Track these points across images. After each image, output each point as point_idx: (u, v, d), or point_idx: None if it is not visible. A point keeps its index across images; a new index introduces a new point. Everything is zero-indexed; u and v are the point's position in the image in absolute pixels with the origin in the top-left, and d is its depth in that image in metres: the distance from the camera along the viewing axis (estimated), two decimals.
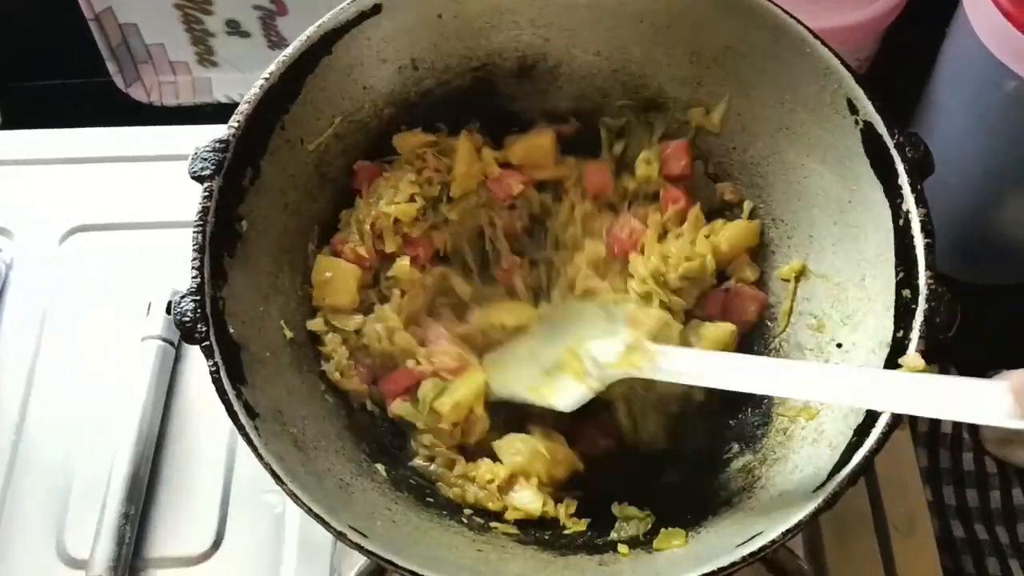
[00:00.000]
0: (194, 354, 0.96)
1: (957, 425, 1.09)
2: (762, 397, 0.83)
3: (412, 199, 0.85)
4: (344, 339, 0.83)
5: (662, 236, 0.88)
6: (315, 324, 0.82)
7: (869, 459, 0.67)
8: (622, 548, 0.75)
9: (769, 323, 0.86)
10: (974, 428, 1.09)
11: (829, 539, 0.85)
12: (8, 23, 1.36)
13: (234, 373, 0.70)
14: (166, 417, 0.92)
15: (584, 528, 0.78)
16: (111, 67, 1.40)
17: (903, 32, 1.17)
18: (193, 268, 0.71)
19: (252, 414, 0.69)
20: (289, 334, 0.79)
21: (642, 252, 0.87)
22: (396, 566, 0.64)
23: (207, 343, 0.69)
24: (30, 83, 1.46)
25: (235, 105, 1.25)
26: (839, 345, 0.78)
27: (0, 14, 1.34)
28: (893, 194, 0.75)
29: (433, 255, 0.88)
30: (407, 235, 0.86)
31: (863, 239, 0.78)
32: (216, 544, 0.87)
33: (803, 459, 0.74)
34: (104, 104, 1.43)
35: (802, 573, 0.80)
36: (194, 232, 0.72)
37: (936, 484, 1.07)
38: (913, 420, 0.99)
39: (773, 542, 0.64)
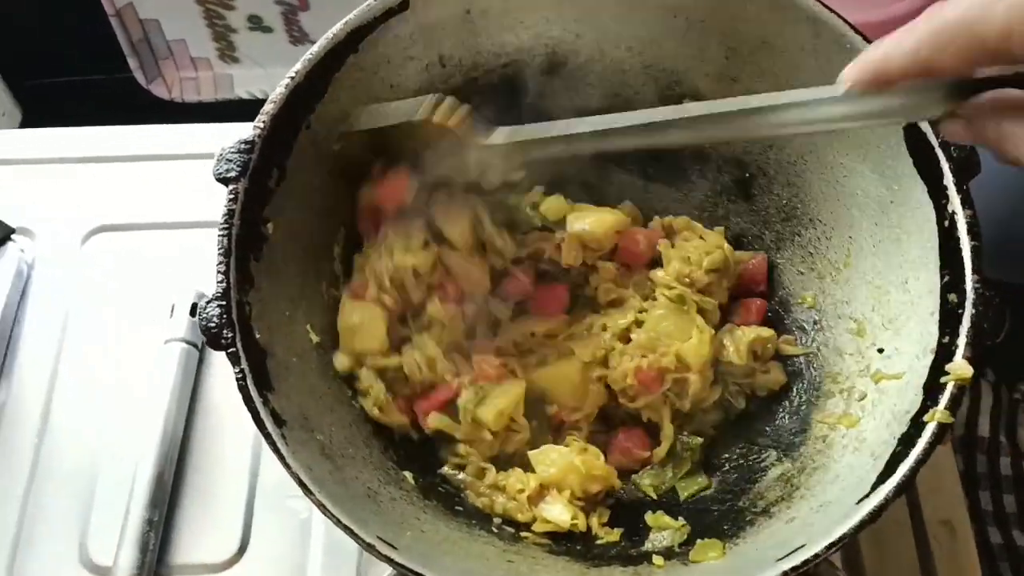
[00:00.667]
0: (218, 357, 0.94)
1: (994, 430, 1.07)
2: (798, 403, 0.81)
3: (427, 244, 0.81)
4: (379, 373, 0.80)
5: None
6: (342, 362, 0.80)
7: (915, 470, 0.64)
8: (657, 560, 0.73)
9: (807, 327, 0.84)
10: (1012, 433, 1.07)
11: (867, 547, 0.83)
12: (27, 20, 1.36)
13: (261, 380, 0.68)
14: (190, 421, 0.91)
15: (617, 538, 0.76)
16: (132, 63, 1.39)
17: None
18: (219, 272, 0.70)
19: (279, 422, 0.67)
20: (315, 339, 0.78)
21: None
22: None
23: (233, 349, 0.68)
24: (50, 80, 1.45)
25: (256, 101, 1.24)
26: (880, 350, 0.76)
27: (18, 11, 1.34)
28: (938, 194, 0.72)
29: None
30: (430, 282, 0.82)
31: (905, 240, 0.76)
32: (241, 550, 0.85)
33: (844, 468, 0.72)
34: (125, 101, 1.43)
35: None
36: (219, 235, 0.71)
37: (972, 489, 1.05)
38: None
39: (816, 556, 0.62)
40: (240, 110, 1.43)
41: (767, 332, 0.83)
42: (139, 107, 1.43)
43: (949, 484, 0.86)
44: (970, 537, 0.84)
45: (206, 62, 1.42)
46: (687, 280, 0.84)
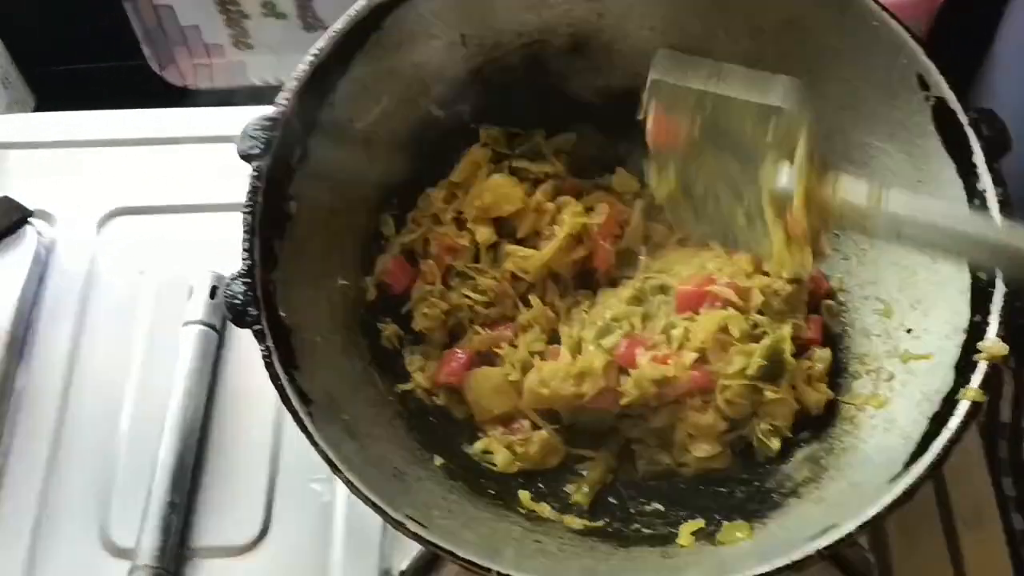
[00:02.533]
0: (237, 340, 0.94)
1: (1016, 416, 1.06)
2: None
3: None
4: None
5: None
6: (482, 445, 0.81)
7: (948, 449, 0.64)
8: (684, 540, 0.72)
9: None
10: None
11: (893, 531, 0.82)
12: (40, 5, 1.35)
13: (286, 358, 0.68)
14: (209, 404, 0.90)
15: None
16: (146, 50, 1.38)
17: (956, 8, 1.14)
18: (244, 250, 0.69)
19: (306, 400, 0.67)
20: (341, 319, 0.77)
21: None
22: (457, 557, 0.62)
23: (259, 327, 0.67)
24: (63, 67, 1.44)
25: (270, 89, 1.23)
26: (909, 330, 0.75)
27: None
28: (967, 173, 0.72)
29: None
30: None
31: None
32: (263, 533, 0.85)
33: (873, 449, 0.71)
34: (138, 88, 1.42)
35: (868, 565, 0.77)
36: (244, 213, 0.70)
37: (995, 475, 1.04)
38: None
39: (849, 535, 0.62)
40: (254, 97, 1.42)
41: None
42: (152, 94, 1.42)
43: (976, 472, 0.86)
44: (998, 525, 0.84)
45: (219, 49, 1.41)
46: (769, 290, 0.79)
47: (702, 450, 0.78)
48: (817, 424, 0.78)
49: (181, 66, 1.42)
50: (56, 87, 1.43)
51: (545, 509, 0.76)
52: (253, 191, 0.71)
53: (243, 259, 0.69)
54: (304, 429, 0.65)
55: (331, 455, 0.64)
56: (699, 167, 0.72)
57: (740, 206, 0.70)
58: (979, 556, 0.82)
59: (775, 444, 0.77)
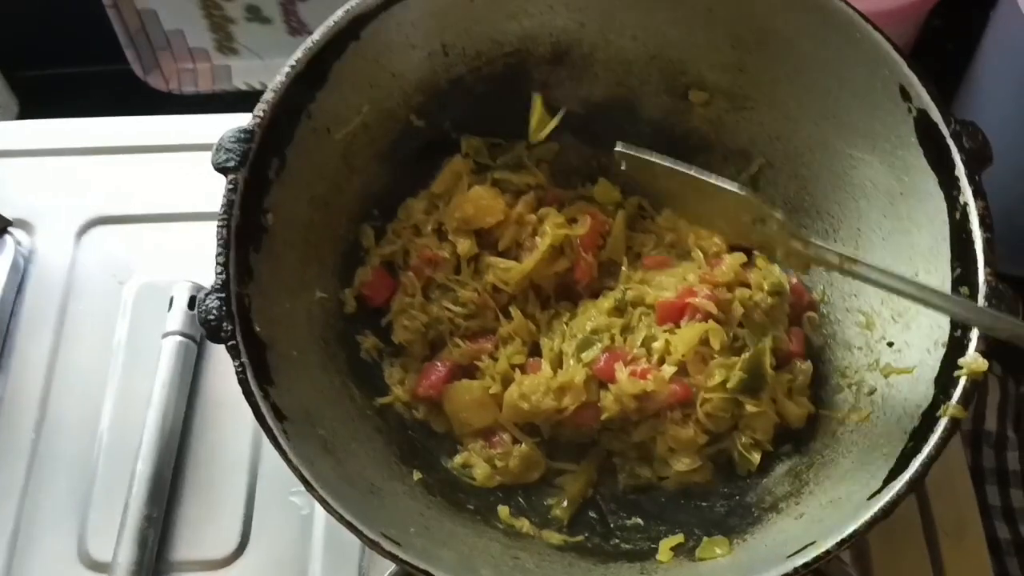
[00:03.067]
0: (217, 351, 0.93)
1: (1002, 423, 1.06)
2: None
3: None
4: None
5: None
6: (462, 459, 0.81)
7: (927, 465, 0.63)
8: (663, 556, 0.72)
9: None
10: (1019, 426, 1.06)
11: (876, 544, 0.82)
12: (22, 8, 1.34)
13: (261, 374, 0.67)
14: (188, 416, 0.89)
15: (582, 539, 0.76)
16: (129, 54, 1.37)
17: (942, 17, 1.14)
18: (218, 264, 0.68)
19: (280, 416, 0.66)
20: (318, 333, 0.76)
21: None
22: None
23: (233, 342, 0.67)
24: (45, 71, 1.43)
25: (255, 93, 1.22)
26: (890, 344, 0.75)
27: (13, 1, 1.32)
28: (949, 185, 0.71)
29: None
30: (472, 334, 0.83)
31: (915, 232, 0.75)
32: (241, 547, 0.84)
33: (853, 463, 0.71)
34: (122, 93, 1.41)
35: None
36: (219, 226, 0.69)
37: (979, 484, 1.03)
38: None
39: (827, 552, 0.61)
40: (238, 102, 1.41)
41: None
42: (136, 99, 1.41)
43: (959, 481, 0.85)
44: (981, 534, 0.83)
45: (204, 53, 1.40)
46: (751, 302, 0.79)
47: (683, 463, 0.77)
48: (798, 438, 0.78)
49: (165, 71, 1.41)
50: (39, 92, 1.42)
51: (524, 524, 0.76)
52: (228, 204, 0.70)
53: (217, 273, 0.68)
54: (278, 446, 0.64)
55: (305, 472, 0.64)
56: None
57: None
58: (961, 567, 0.82)
59: (756, 457, 0.77)
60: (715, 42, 0.83)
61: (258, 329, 0.69)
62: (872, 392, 0.74)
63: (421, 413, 0.81)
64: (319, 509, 0.84)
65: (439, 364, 0.81)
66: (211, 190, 0.97)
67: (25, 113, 1.41)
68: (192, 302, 0.92)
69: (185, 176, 1.02)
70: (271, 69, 1.44)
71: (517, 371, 0.80)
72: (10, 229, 0.99)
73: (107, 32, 1.33)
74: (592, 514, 0.78)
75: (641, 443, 0.79)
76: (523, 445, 0.79)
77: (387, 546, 0.62)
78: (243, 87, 1.43)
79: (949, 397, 0.66)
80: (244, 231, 0.71)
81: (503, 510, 0.77)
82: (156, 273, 0.97)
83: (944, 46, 1.21)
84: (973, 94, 1.03)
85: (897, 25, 1.07)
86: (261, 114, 0.73)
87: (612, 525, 0.77)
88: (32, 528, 0.85)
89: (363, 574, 0.81)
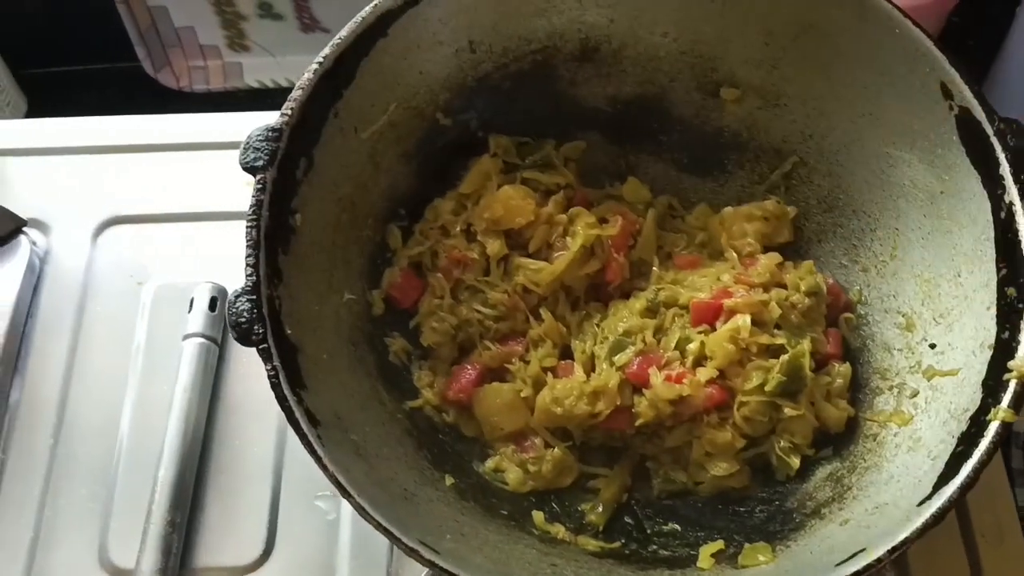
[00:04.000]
0: (238, 354, 0.91)
1: None
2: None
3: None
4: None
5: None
6: (493, 464, 0.79)
7: (979, 470, 0.62)
8: (704, 563, 0.70)
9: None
10: None
11: (913, 548, 0.80)
12: (30, 5, 1.32)
13: (293, 377, 0.66)
14: (211, 419, 0.88)
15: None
16: (140, 52, 1.36)
17: (961, 15, 1.13)
18: (248, 266, 0.67)
19: (314, 421, 0.65)
20: (347, 336, 0.75)
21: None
22: None
23: (265, 345, 0.65)
24: (54, 68, 1.42)
25: (267, 91, 1.21)
26: (932, 346, 0.73)
27: None
28: (993, 184, 0.70)
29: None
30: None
31: (957, 232, 0.73)
32: (267, 552, 0.82)
33: (899, 468, 0.69)
34: (132, 90, 1.40)
35: None
36: (248, 227, 0.68)
37: (1009, 487, 1.02)
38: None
39: (879, 560, 0.60)
40: (250, 100, 1.40)
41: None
42: (146, 97, 1.40)
43: (998, 484, 0.84)
44: (1020, 537, 0.82)
45: (215, 50, 1.39)
46: (787, 303, 0.77)
47: (720, 468, 0.76)
48: (838, 442, 0.76)
49: (176, 68, 1.40)
50: (48, 90, 1.41)
51: (559, 530, 0.74)
52: (257, 204, 0.68)
53: (247, 275, 0.66)
54: (313, 452, 0.63)
55: (341, 479, 0.62)
56: None
57: None
58: (1000, 571, 0.81)
59: (795, 462, 0.75)
60: (748, 37, 0.81)
61: (288, 332, 0.68)
62: (915, 395, 0.73)
63: (451, 417, 0.80)
64: (345, 514, 0.83)
65: (469, 367, 0.80)
66: (229, 190, 0.97)
67: (33, 111, 1.40)
68: (213, 303, 0.90)
69: (202, 175, 1.00)
70: (283, 67, 1.43)
71: (548, 375, 0.79)
72: (25, 229, 0.97)
73: (117, 29, 1.32)
74: (628, 520, 0.77)
75: (676, 448, 0.77)
76: (555, 450, 0.77)
77: (426, 554, 0.61)
78: (255, 85, 1.42)
79: (998, 400, 0.64)
80: (273, 232, 0.69)
81: (538, 516, 0.75)
82: (175, 274, 0.95)
83: (965, 43, 1.20)
84: (1000, 90, 1.02)
85: (922, 20, 1.05)
86: (289, 112, 0.71)
87: (649, 531, 0.76)
88: (52, 534, 0.83)
89: None
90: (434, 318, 0.81)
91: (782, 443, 0.75)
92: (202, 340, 0.89)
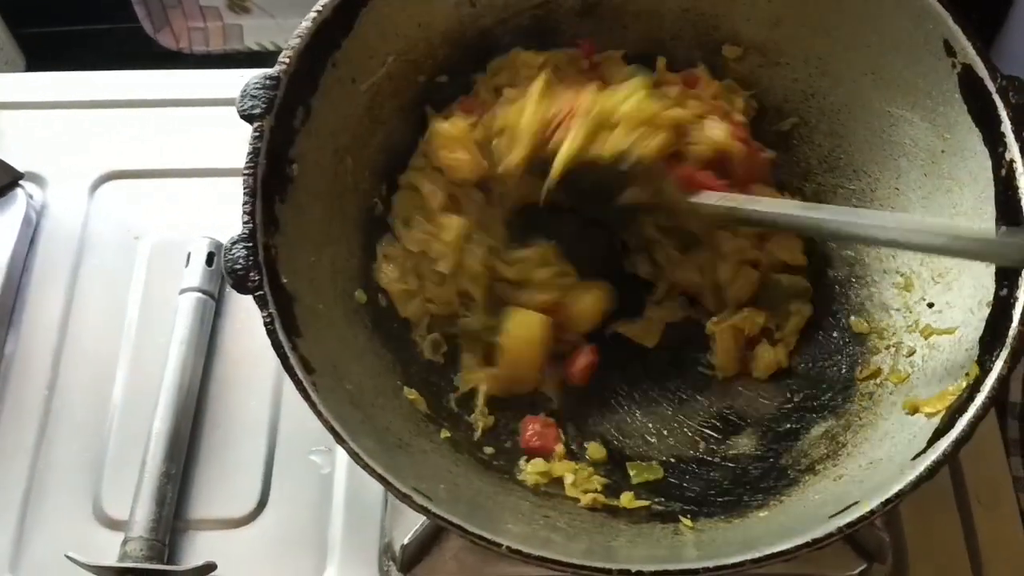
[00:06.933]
0: (234, 308, 0.91)
1: None
2: (839, 359, 0.78)
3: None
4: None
5: None
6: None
7: (974, 426, 0.62)
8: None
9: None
10: None
11: (908, 512, 0.81)
12: None
13: (289, 325, 0.65)
14: (206, 373, 0.88)
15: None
16: (139, 11, 1.35)
17: None
18: (244, 212, 0.66)
19: (309, 369, 0.64)
20: (342, 287, 0.75)
21: None
22: (466, 531, 0.60)
23: (261, 292, 0.64)
24: (53, 28, 1.41)
25: (266, 53, 1.20)
26: (930, 304, 0.73)
27: None
28: (994, 142, 0.69)
29: None
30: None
31: (957, 191, 0.73)
32: (261, 505, 0.82)
33: (894, 425, 0.69)
34: (131, 51, 1.38)
35: (882, 545, 0.75)
36: (244, 174, 0.67)
37: (1005, 455, 1.02)
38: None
39: (872, 512, 0.60)
40: (249, 62, 1.39)
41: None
42: (146, 58, 1.38)
43: (992, 450, 0.84)
44: (1015, 504, 0.82)
45: (215, 11, 1.37)
46: None
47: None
48: (832, 400, 0.76)
49: (175, 29, 1.38)
50: (47, 48, 1.40)
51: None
52: (254, 152, 0.68)
53: (244, 222, 0.66)
54: (308, 399, 0.62)
55: (336, 426, 0.62)
56: None
57: None
58: (995, 537, 0.81)
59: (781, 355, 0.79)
60: None
61: (284, 280, 0.67)
62: (911, 354, 0.73)
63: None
64: (340, 468, 0.83)
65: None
66: (227, 145, 0.96)
67: (31, 70, 1.39)
68: (210, 258, 0.90)
69: (200, 131, 1.00)
70: (284, 29, 1.42)
71: None
72: (21, 182, 0.96)
73: None
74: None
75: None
76: None
77: (419, 500, 0.60)
78: (255, 47, 1.40)
79: (995, 357, 0.64)
80: (270, 181, 0.69)
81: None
82: (171, 228, 0.95)
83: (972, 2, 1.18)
84: (1007, 51, 1.01)
85: None
86: (287, 60, 0.71)
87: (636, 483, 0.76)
88: (45, 487, 0.83)
89: (385, 533, 0.80)
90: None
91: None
92: (199, 295, 0.89)
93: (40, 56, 1.40)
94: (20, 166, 0.96)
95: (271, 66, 0.71)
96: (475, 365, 0.80)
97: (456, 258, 0.78)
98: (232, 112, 0.70)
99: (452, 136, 0.79)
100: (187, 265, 0.90)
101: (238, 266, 0.65)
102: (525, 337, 0.77)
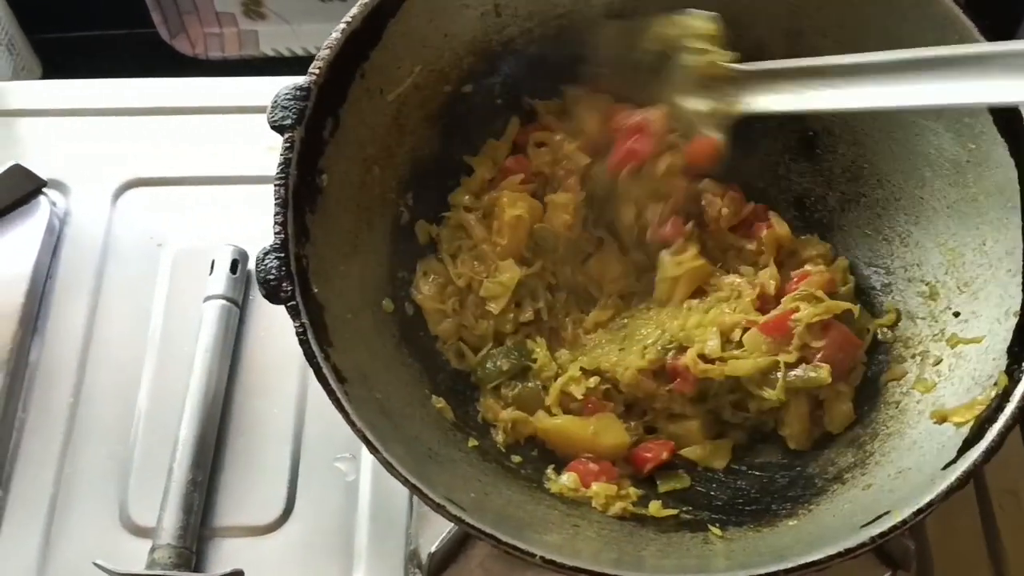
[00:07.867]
0: (259, 316, 0.91)
1: None
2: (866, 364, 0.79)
3: None
4: None
5: None
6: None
7: (1004, 435, 0.62)
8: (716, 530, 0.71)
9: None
10: None
11: (931, 518, 0.80)
12: None
13: (321, 334, 0.66)
14: (231, 381, 0.88)
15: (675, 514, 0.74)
16: (156, 17, 1.35)
17: None
18: (276, 223, 0.67)
19: (341, 378, 0.65)
20: (370, 297, 0.75)
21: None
22: (499, 541, 0.60)
23: (294, 303, 0.65)
24: (69, 34, 1.41)
25: (282, 60, 1.20)
26: (956, 314, 0.74)
27: None
28: (1020, 152, 0.70)
29: None
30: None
31: (983, 201, 0.73)
32: (287, 512, 0.83)
33: (922, 435, 0.69)
34: (146, 57, 1.39)
35: (907, 553, 0.76)
36: (276, 185, 0.68)
37: None
38: None
39: (904, 522, 0.60)
40: (265, 68, 1.39)
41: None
42: (161, 63, 1.39)
43: (1014, 453, 0.84)
44: None
45: (231, 17, 1.38)
46: None
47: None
48: (859, 410, 0.77)
49: (191, 35, 1.39)
50: (63, 54, 1.40)
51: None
52: (285, 163, 0.68)
53: (276, 233, 0.67)
54: (341, 408, 0.63)
55: (368, 435, 0.62)
56: None
57: None
58: (1017, 538, 0.81)
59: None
60: (775, 4, 0.81)
61: (315, 290, 0.68)
62: (938, 363, 0.73)
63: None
64: (365, 475, 0.84)
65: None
66: (249, 154, 0.97)
67: (48, 76, 1.39)
68: (235, 266, 0.91)
69: (222, 139, 1.01)
70: (300, 35, 1.42)
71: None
72: (44, 190, 0.97)
73: None
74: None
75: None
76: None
77: (453, 510, 0.61)
78: (271, 53, 1.40)
79: (1023, 366, 0.64)
80: (300, 191, 0.69)
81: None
82: (195, 236, 0.95)
83: (992, 10, 1.19)
84: None
85: None
86: (317, 71, 0.71)
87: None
88: (71, 494, 0.84)
89: (411, 541, 0.80)
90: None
91: None
92: (223, 302, 0.89)
93: (56, 61, 1.40)
94: (43, 174, 0.97)
95: (287, 72, 0.71)
96: (493, 403, 0.80)
97: (508, 301, 0.80)
98: (254, 120, 0.71)
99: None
100: (211, 273, 0.90)
101: (271, 276, 0.65)
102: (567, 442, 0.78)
